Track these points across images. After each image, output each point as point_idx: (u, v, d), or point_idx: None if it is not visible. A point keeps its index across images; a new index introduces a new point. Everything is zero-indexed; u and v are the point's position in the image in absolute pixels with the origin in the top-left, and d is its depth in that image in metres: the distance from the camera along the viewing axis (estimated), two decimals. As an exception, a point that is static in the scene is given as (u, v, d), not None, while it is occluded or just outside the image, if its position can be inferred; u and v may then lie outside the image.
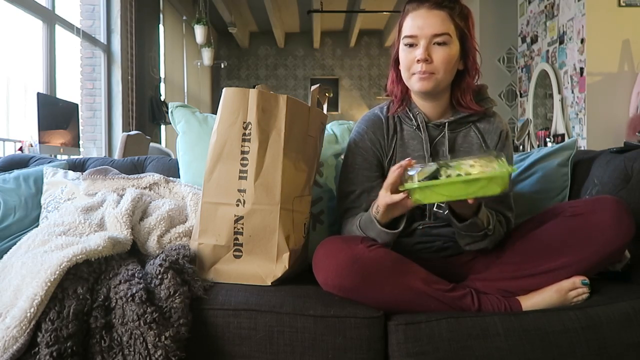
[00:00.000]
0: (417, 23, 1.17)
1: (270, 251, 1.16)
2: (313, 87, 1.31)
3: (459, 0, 1.20)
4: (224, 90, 1.20)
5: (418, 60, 1.17)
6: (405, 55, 1.20)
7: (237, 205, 1.15)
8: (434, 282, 1.12)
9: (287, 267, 1.16)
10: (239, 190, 1.16)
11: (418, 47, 1.17)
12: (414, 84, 1.20)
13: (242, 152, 1.16)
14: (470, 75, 1.23)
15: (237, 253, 1.17)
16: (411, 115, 1.28)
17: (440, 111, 1.28)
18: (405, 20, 1.21)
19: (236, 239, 1.16)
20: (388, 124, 1.30)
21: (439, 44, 1.16)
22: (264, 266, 1.16)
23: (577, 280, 1.12)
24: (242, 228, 1.16)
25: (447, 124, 1.26)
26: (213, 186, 1.18)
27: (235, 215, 1.16)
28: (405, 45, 1.20)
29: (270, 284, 1.15)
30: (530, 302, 1.14)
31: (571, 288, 1.12)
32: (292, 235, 1.18)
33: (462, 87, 1.24)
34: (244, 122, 1.16)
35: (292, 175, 1.19)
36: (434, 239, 1.29)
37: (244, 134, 1.16)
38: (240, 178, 1.16)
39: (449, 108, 1.28)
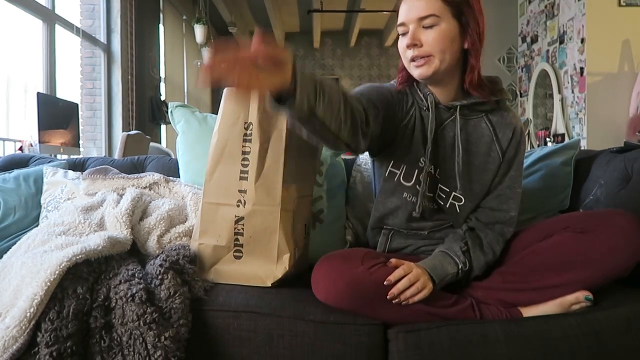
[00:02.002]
0: (404, 9, 1.12)
1: (271, 252, 1.15)
2: None
3: None
4: (225, 90, 1.19)
5: (408, 47, 1.11)
6: (400, 44, 1.15)
7: (238, 205, 1.15)
8: (435, 299, 1.08)
9: (287, 268, 1.15)
10: (240, 191, 1.16)
11: (408, 33, 1.12)
12: (413, 71, 1.14)
13: (243, 153, 1.16)
14: (471, 54, 1.14)
15: (237, 254, 1.16)
16: (422, 96, 1.20)
17: (450, 95, 1.19)
18: (399, 9, 1.15)
19: (236, 239, 1.16)
20: (402, 95, 1.21)
21: (426, 27, 1.10)
22: (265, 267, 1.16)
23: (580, 295, 1.09)
24: (243, 229, 1.15)
25: (458, 107, 1.17)
26: (214, 186, 1.17)
27: (235, 216, 1.15)
28: (400, 34, 1.14)
29: (270, 285, 1.15)
30: (531, 313, 1.11)
31: (574, 303, 1.09)
32: (292, 236, 1.18)
33: (467, 67, 1.16)
34: (245, 123, 1.16)
35: (293, 175, 1.19)
36: (439, 242, 1.25)
37: (245, 134, 1.16)
38: (241, 178, 1.16)
39: (460, 93, 1.20)
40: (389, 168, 1.22)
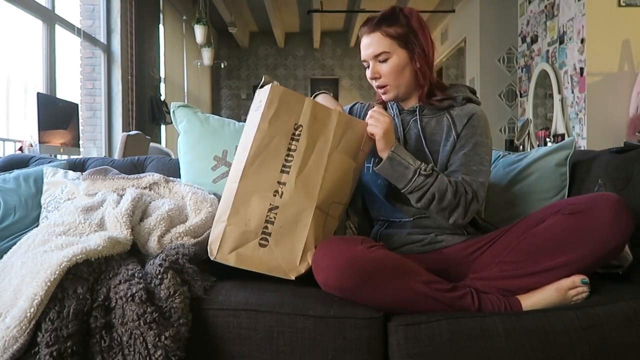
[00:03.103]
0: (362, 48, 1.36)
1: (297, 246, 1.16)
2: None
3: (395, 11, 1.33)
4: (274, 87, 1.23)
5: (371, 78, 1.36)
6: (367, 73, 1.38)
7: (275, 195, 1.17)
8: (434, 283, 1.12)
9: (310, 264, 1.16)
10: (279, 182, 1.18)
11: (370, 67, 1.35)
12: (382, 96, 1.38)
13: (289, 149, 1.20)
14: (421, 72, 1.32)
15: (263, 242, 1.17)
16: (389, 105, 1.45)
17: (413, 105, 1.39)
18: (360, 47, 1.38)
19: (265, 227, 1.17)
20: (366, 107, 1.49)
21: (380, 61, 1.32)
22: (288, 260, 1.16)
23: (576, 279, 1.12)
24: (275, 218, 1.16)
25: (418, 108, 1.37)
26: (254, 172, 1.19)
27: (270, 204, 1.17)
28: (366, 67, 1.37)
29: (294, 278, 1.16)
30: (530, 301, 1.14)
31: (571, 287, 1.13)
32: (320, 237, 1.19)
33: (421, 83, 1.35)
34: (296, 124, 1.22)
35: (335, 181, 1.21)
36: (427, 230, 1.32)
37: (294, 134, 1.21)
38: (282, 172, 1.19)
39: (424, 101, 1.38)
40: (365, 164, 1.38)
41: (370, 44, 1.32)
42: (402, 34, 1.31)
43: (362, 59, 1.36)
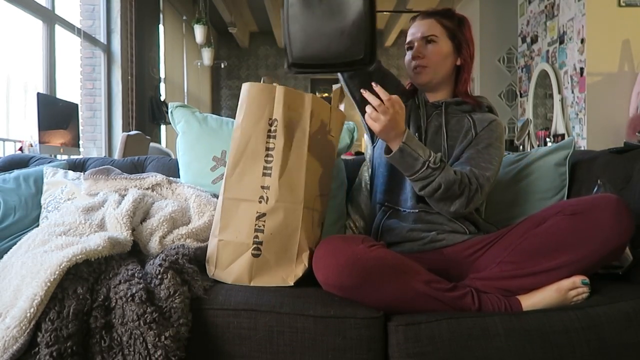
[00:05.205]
0: (412, 31, 1.44)
1: (291, 250, 1.15)
2: (335, 87, 1.33)
3: (451, 11, 1.43)
4: (247, 85, 1.20)
5: (412, 58, 1.40)
6: (406, 58, 1.45)
7: (260, 202, 1.14)
8: (434, 282, 1.12)
9: (307, 266, 1.15)
10: (262, 187, 1.15)
11: (414, 48, 1.41)
12: (414, 78, 1.43)
13: (267, 149, 1.16)
14: (465, 68, 1.43)
15: (255, 252, 1.14)
16: (417, 96, 1.49)
17: (440, 99, 1.44)
18: (408, 31, 1.47)
19: (256, 236, 1.14)
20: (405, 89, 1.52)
21: (428, 42, 1.39)
22: (284, 266, 1.15)
23: (577, 279, 1.13)
24: (264, 225, 1.14)
25: (444, 103, 1.42)
26: (235, 182, 1.17)
27: (257, 212, 1.14)
28: (407, 49, 1.45)
29: (292, 284, 1.14)
30: (530, 301, 1.14)
31: (571, 287, 1.13)
32: (311, 234, 1.18)
33: (460, 79, 1.44)
34: (270, 119, 1.16)
35: (315, 174, 1.19)
36: (428, 227, 1.32)
37: (269, 131, 1.16)
38: (264, 175, 1.15)
39: (449, 98, 1.45)
40: (380, 144, 1.44)
41: (421, 27, 1.41)
42: (453, 29, 1.41)
43: (409, 40, 1.43)
